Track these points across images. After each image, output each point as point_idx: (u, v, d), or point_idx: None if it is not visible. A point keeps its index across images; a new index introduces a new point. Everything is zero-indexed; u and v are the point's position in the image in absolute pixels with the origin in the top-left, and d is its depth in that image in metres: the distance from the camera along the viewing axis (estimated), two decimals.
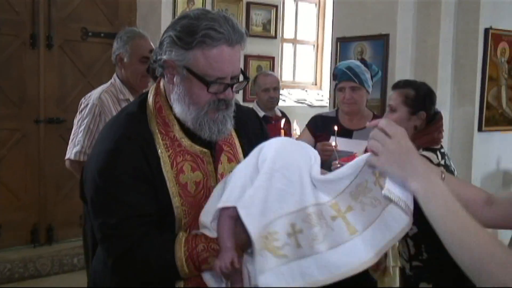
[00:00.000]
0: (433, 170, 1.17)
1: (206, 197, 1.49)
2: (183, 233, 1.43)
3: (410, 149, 1.14)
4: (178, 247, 1.39)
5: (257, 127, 1.74)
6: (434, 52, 3.99)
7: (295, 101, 6.73)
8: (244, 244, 1.33)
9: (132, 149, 1.44)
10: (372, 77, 2.93)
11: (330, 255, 1.22)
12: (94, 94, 2.88)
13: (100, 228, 1.43)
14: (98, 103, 2.80)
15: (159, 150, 1.46)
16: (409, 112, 2.42)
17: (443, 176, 1.27)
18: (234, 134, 1.62)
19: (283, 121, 2.93)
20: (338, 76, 2.91)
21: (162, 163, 1.45)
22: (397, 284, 2.64)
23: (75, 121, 2.89)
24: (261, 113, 3.80)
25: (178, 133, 1.51)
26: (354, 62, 3.01)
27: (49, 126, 4.47)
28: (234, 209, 1.28)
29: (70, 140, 2.89)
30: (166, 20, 4.76)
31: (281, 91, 6.71)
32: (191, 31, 1.39)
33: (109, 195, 1.41)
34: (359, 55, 4.22)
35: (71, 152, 2.82)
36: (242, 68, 3.72)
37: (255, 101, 4.14)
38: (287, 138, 1.49)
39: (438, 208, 1.07)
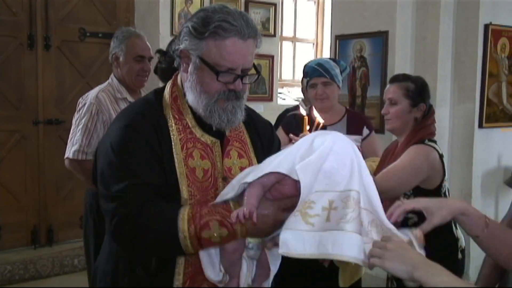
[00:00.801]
0: (429, 262, 1.27)
1: (213, 185, 1.54)
2: (191, 205, 1.46)
3: (405, 246, 1.28)
4: (182, 210, 1.42)
5: (270, 138, 1.78)
6: (433, 49, 3.97)
7: (295, 99, 6.71)
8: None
9: (145, 127, 1.51)
10: (341, 73, 2.99)
11: (349, 236, 1.29)
12: (92, 93, 2.91)
13: (106, 191, 1.47)
14: (95, 102, 2.83)
15: (172, 133, 1.53)
16: (410, 104, 2.49)
17: (487, 222, 1.45)
18: (246, 134, 1.68)
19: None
20: (309, 73, 2.96)
21: (173, 145, 1.51)
22: (363, 271, 2.68)
23: (73, 120, 2.92)
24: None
25: (190, 121, 1.57)
26: (323, 59, 3.13)
27: (48, 127, 4.46)
28: (275, 176, 1.38)
29: (68, 140, 2.91)
30: (164, 20, 4.74)
31: (280, 89, 6.76)
32: (205, 22, 1.47)
33: (119, 166, 1.47)
34: (358, 53, 4.21)
35: (69, 151, 2.84)
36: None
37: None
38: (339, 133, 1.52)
39: (443, 283, 1.18)
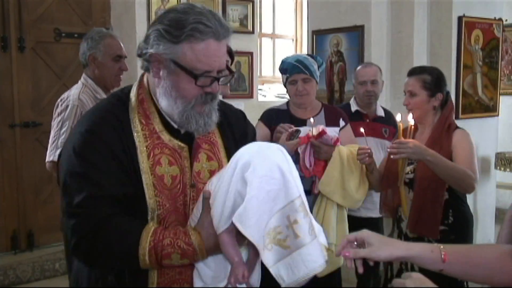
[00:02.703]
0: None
1: (182, 192, 1.50)
2: (154, 223, 1.42)
3: (425, 282, 1.23)
4: (144, 235, 1.38)
5: (243, 128, 1.74)
6: (409, 42, 4.02)
7: (276, 96, 6.72)
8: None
9: (108, 133, 1.45)
10: (318, 68, 3.02)
11: (312, 248, 1.32)
12: (72, 95, 2.89)
13: (67, 206, 1.42)
14: (79, 104, 2.83)
15: (137, 140, 1.47)
16: (428, 95, 2.69)
17: (442, 255, 1.36)
18: (217, 133, 1.63)
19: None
20: (288, 69, 2.97)
21: (138, 152, 1.46)
22: (341, 262, 2.73)
23: (54, 123, 2.90)
24: (354, 107, 3.50)
25: (158, 126, 1.51)
26: (302, 55, 3.12)
27: (24, 130, 4.40)
28: (231, 225, 1.34)
29: (50, 143, 2.89)
30: (140, 19, 4.70)
31: (261, 86, 6.75)
32: (179, 25, 1.41)
33: (80, 174, 1.41)
34: (335, 47, 4.23)
35: (54, 155, 2.82)
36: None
37: (353, 96, 3.65)
38: (259, 143, 1.50)
39: None
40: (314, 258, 1.32)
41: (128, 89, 1.58)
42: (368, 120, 3.44)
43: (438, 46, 4.09)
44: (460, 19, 4.06)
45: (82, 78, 3.00)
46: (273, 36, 7.22)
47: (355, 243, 1.38)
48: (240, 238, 1.38)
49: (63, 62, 4.58)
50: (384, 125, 3.48)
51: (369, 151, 2.69)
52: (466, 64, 4.18)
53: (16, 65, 4.36)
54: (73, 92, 2.93)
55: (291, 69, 2.95)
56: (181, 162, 1.51)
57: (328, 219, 2.72)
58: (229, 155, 1.56)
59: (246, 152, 1.38)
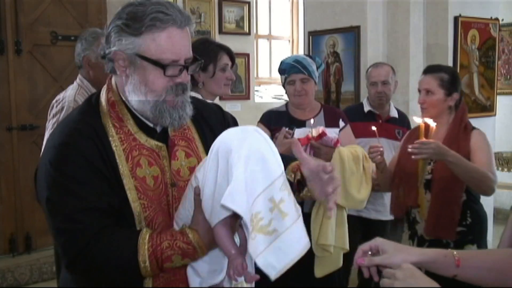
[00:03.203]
0: (434, 283, 1.25)
1: (164, 192, 1.47)
2: (147, 230, 1.40)
3: (415, 274, 1.24)
4: (141, 243, 1.35)
5: (220, 119, 1.70)
6: (405, 42, 4.02)
7: (272, 97, 6.73)
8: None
9: (83, 143, 1.40)
10: (317, 69, 3.02)
11: (295, 231, 1.29)
12: (68, 96, 2.85)
13: (55, 224, 1.38)
14: (74, 105, 2.77)
15: (113, 144, 1.43)
16: (445, 94, 2.66)
17: (457, 259, 1.38)
18: (193, 129, 1.60)
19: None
20: (287, 70, 2.98)
21: (116, 157, 1.42)
22: (340, 264, 2.73)
23: (48, 124, 2.86)
24: (366, 108, 3.48)
25: (132, 127, 1.48)
26: (300, 56, 3.12)
27: (22, 133, 4.39)
28: (225, 218, 1.31)
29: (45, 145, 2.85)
30: None
31: (257, 87, 6.75)
32: (139, 17, 1.38)
33: (62, 189, 1.37)
34: (331, 48, 4.24)
35: None
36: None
37: (366, 97, 3.60)
38: (233, 128, 1.44)
39: None
40: (303, 235, 1.30)
41: (97, 93, 1.55)
42: (381, 121, 3.40)
43: (434, 46, 4.10)
44: (456, 19, 4.07)
45: (77, 79, 2.95)
46: (269, 37, 7.23)
47: (370, 252, 1.39)
48: (233, 229, 1.37)
49: (59, 65, 4.57)
50: (397, 126, 3.44)
51: (381, 149, 2.68)
52: (463, 64, 4.19)
53: (13, 68, 4.35)
54: (69, 93, 2.89)
55: (289, 69, 2.95)
56: (160, 162, 1.49)
57: (327, 221, 2.72)
58: (207, 150, 1.47)
59: (224, 139, 1.35)
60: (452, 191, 2.56)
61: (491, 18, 4.41)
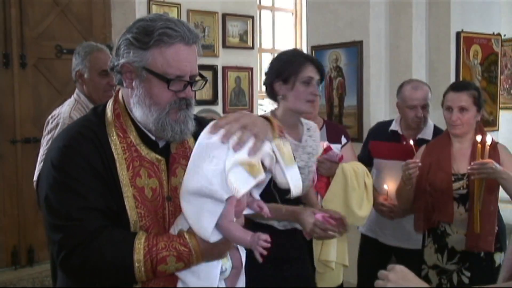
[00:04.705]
0: (426, 286, 1.27)
1: (161, 205, 1.49)
2: (143, 232, 1.41)
3: (408, 276, 1.26)
4: (137, 242, 1.37)
5: None
6: (407, 57, 4.04)
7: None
8: None
9: (86, 147, 1.44)
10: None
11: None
12: (63, 113, 2.82)
13: (52, 220, 1.39)
14: (70, 122, 2.74)
15: (115, 152, 1.47)
16: (477, 110, 2.72)
17: None
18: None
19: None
20: None
21: (117, 165, 1.46)
22: (340, 280, 2.73)
23: (43, 140, 2.83)
24: (392, 126, 3.19)
25: (135, 139, 1.52)
26: None
27: (26, 146, 4.41)
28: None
29: (39, 161, 2.79)
30: None
31: (261, 101, 6.78)
32: (148, 31, 1.43)
33: (63, 189, 1.40)
34: (334, 63, 4.26)
35: None
36: (219, 79, 3.61)
37: (398, 117, 3.24)
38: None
39: None
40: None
41: (104, 104, 1.60)
42: (405, 142, 3.06)
43: (436, 61, 4.11)
44: (458, 34, 4.10)
45: (75, 94, 2.91)
46: (272, 51, 7.26)
47: None
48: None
49: (64, 78, 4.60)
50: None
51: (420, 164, 2.66)
52: (465, 79, 4.20)
53: (18, 81, 4.38)
54: (64, 109, 2.84)
55: None
56: (159, 175, 1.52)
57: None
58: None
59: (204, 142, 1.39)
60: (491, 203, 2.61)
61: (493, 34, 4.44)
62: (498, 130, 4.63)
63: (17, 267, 4.36)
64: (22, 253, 4.41)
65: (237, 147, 1.33)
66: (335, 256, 2.66)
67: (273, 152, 1.38)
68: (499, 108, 4.61)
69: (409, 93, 3.08)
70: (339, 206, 2.69)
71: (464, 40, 4.14)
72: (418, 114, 3.05)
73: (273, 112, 2.46)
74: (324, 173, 2.71)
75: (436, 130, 3.13)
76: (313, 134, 2.49)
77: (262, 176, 1.34)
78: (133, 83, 1.48)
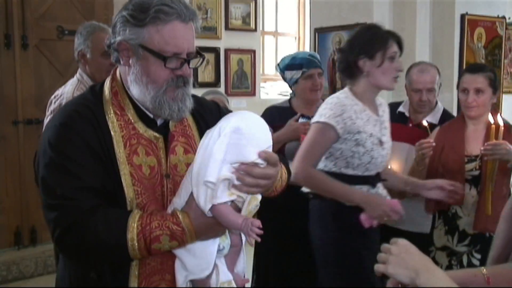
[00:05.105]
0: (429, 260, 1.25)
1: (160, 183, 1.49)
2: (138, 211, 1.41)
3: (410, 250, 1.24)
4: (131, 221, 1.36)
5: (217, 117, 1.69)
6: (411, 40, 4.01)
7: (278, 94, 6.73)
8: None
9: (82, 126, 1.43)
10: None
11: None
12: (66, 93, 2.81)
13: (48, 199, 1.40)
14: None
15: (112, 130, 1.46)
16: (492, 92, 2.70)
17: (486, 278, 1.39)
18: (194, 126, 1.62)
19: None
20: (304, 64, 2.96)
21: (114, 142, 1.45)
22: None
23: (46, 120, 2.82)
24: (401, 108, 3.14)
25: (133, 116, 1.51)
26: (308, 52, 3.21)
27: (28, 127, 4.43)
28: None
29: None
30: None
31: (263, 84, 6.76)
32: (144, 8, 1.41)
33: (59, 167, 1.40)
34: (337, 45, 4.23)
35: None
36: (221, 61, 3.60)
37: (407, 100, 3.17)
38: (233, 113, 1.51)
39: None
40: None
41: (101, 83, 1.58)
42: (411, 125, 3.04)
43: (440, 44, 4.08)
44: (463, 17, 4.06)
45: (77, 74, 2.89)
46: (275, 34, 7.22)
47: None
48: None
49: (65, 60, 4.59)
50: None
51: (434, 144, 2.63)
52: (469, 63, 4.17)
53: (19, 63, 4.38)
54: (67, 89, 2.83)
55: (307, 64, 2.94)
56: (157, 153, 1.51)
57: None
58: None
59: (229, 120, 1.41)
60: (503, 185, 2.60)
61: (497, 17, 4.40)
62: (501, 114, 4.61)
63: (20, 247, 4.40)
64: (25, 234, 4.45)
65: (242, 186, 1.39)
66: None
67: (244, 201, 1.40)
68: (502, 92, 4.59)
69: (415, 76, 3.02)
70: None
71: (469, 23, 4.10)
72: (423, 97, 2.99)
73: (351, 89, 2.40)
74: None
75: (445, 115, 3.08)
76: (385, 109, 2.53)
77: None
78: (130, 61, 1.46)
